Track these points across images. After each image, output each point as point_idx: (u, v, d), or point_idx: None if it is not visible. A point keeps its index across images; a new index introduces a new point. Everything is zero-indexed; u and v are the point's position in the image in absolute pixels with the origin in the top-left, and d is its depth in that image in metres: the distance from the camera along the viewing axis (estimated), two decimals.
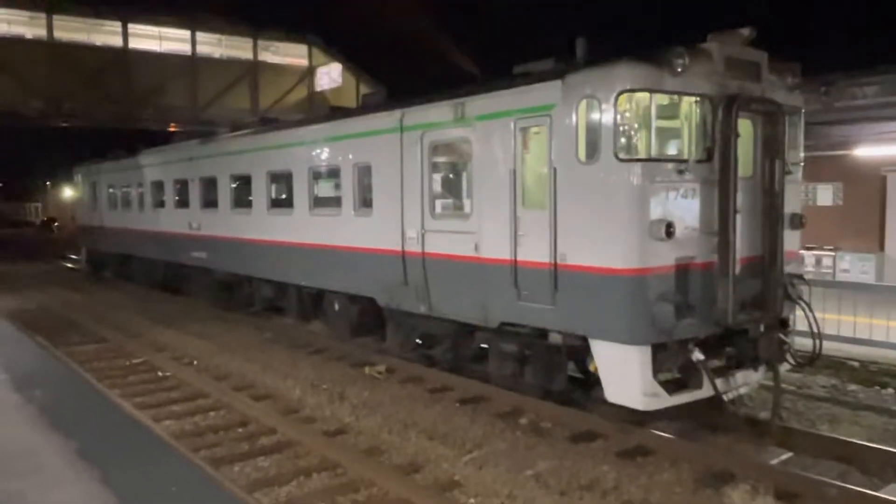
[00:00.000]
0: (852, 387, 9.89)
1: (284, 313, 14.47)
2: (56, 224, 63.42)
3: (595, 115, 7.34)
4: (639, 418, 7.85)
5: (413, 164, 9.79)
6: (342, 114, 12.34)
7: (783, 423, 8.02)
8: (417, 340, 10.78)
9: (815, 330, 7.99)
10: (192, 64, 35.26)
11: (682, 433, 7.89)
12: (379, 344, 11.95)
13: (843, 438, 7.67)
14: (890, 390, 9.69)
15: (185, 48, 35.34)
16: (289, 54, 38.72)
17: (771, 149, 7.87)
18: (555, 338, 8.22)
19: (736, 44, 7.75)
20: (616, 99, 7.11)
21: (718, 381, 7.53)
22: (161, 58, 34.54)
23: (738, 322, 7.50)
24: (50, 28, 31.94)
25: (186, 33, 35.29)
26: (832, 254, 17.27)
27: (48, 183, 79.95)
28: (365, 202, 11.07)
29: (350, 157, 11.29)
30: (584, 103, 7.45)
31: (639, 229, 7.14)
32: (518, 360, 8.91)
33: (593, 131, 7.37)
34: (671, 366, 7.56)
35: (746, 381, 8.05)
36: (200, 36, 35.69)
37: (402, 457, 7.47)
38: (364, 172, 11.02)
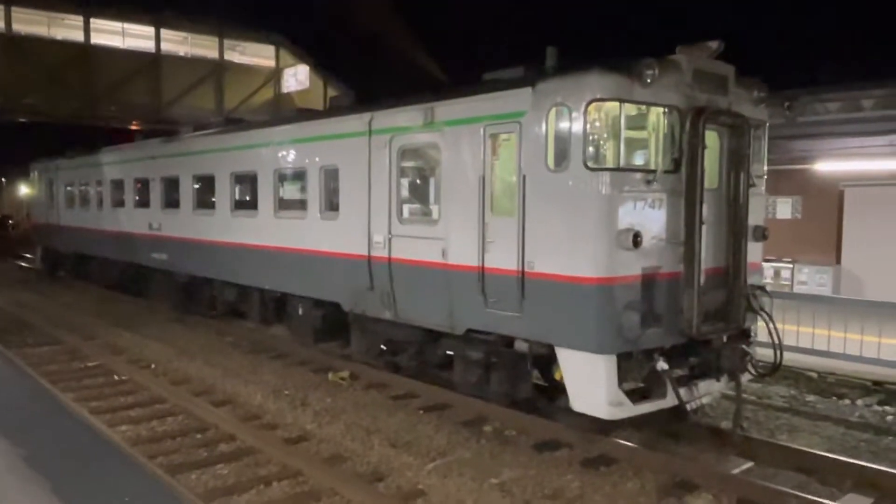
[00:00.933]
0: (811, 397, 10.06)
1: (246, 317, 14.21)
2: (11, 222, 61.78)
3: (565, 124, 7.33)
4: (603, 427, 7.85)
5: (381, 168, 9.69)
6: (309, 115, 12.20)
7: (744, 433, 8.09)
8: (382, 346, 10.66)
9: (777, 341, 8.09)
10: (156, 61, 34.62)
11: (645, 442, 7.92)
12: (343, 349, 11.81)
13: (803, 449, 7.77)
14: (847, 401, 9.87)
15: (149, 45, 34.66)
16: (255, 55, 38.28)
17: (736, 161, 7.96)
18: (521, 346, 8.18)
19: (704, 57, 7.83)
20: (586, 108, 7.11)
21: (682, 391, 7.58)
22: (124, 54, 33.83)
23: (703, 332, 7.55)
24: (8, 20, 31.06)
25: (150, 30, 34.62)
26: (790, 266, 17.59)
27: (3, 179, 77.88)
28: (331, 205, 10.93)
29: (317, 159, 11.15)
30: (553, 111, 7.44)
31: (606, 238, 7.14)
32: (483, 368, 8.84)
33: (563, 139, 7.37)
34: (636, 375, 7.54)
35: (709, 390, 8.12)
36: (165, 33, 35.05)
37: (365, 465, 7.37)
38: (331, 175, 10.88)
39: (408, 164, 9.68)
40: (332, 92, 34.14)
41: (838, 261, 17.28)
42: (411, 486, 6.83)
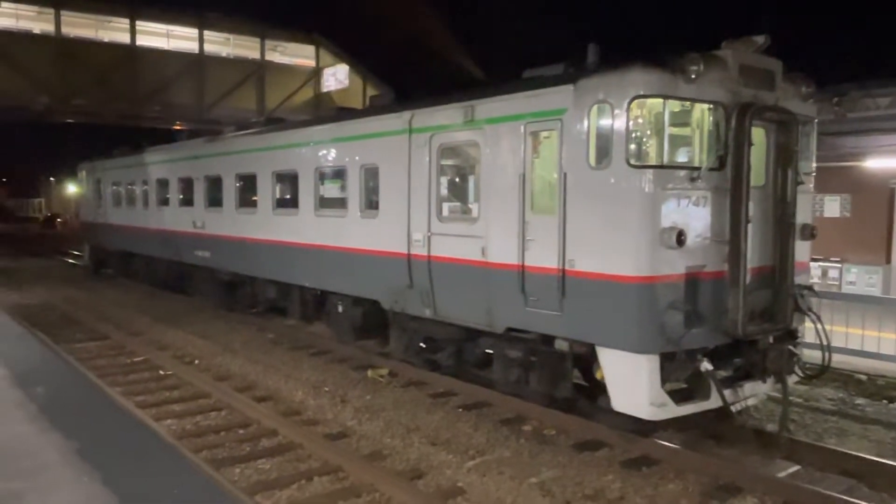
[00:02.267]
0: (860, 400, 9.79)
1: (287, 314, 14.39)
2: (59, 220, 63.51)
3: (607, 121, 7.26)
4: (644, 428, 7.77)
5: (421, 167, 9.72)
6: (350, 114, 12.28)
7: (790, 436, 7.91)
8: (421, 344, 10.69)
9: (825, 342, 7.91)
10: (200, 62, 35.23)
11: (688, 444, 7.81)
12: (382, 347, 11.88)
13: (851, 453, 7.58)
14: None
15: (192, 46, 35.30)
16: (296, 55, 38.72)
17: (784, 158, 7.80)
18: (561, 344, 8.12)
19: (750, 51, 7.67)
20: (629, 104, 7.03)
21: (726, 392, 7.44)
22: (168, 55, 34.49)
23: (748, 333, 7.41)
24: (58, 23, 31.90)
25: (194, 31, 35.26)
26: (838, 265, 17.17)
27: (52, 179, 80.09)
28: (371, 204, 11.00)
29: (357, 158, 11.23)
30: (595, 108, 7.37)
31: (649, 236, 7.06)
32: (523, 367, 8.83)
33: (605, 137, 7.30)
34: (679, 375, 7.46)
35: (754, 392, 7.96)
36: (208, 34, 35.67)
37: (404, 462, 7.40)
38: (371, 174, 10.95)
39: (447, 162, 9.69)
40: (371, 91, 34.39)
41: (888, 260, 16.81)
42: (451, 484, 6.85)
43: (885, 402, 9.73)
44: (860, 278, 16.77)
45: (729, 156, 7.32)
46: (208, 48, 35.79)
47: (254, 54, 37.22)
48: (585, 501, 6.50)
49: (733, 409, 7.59)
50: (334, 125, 12.13)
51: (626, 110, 7.05)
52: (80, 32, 32.85)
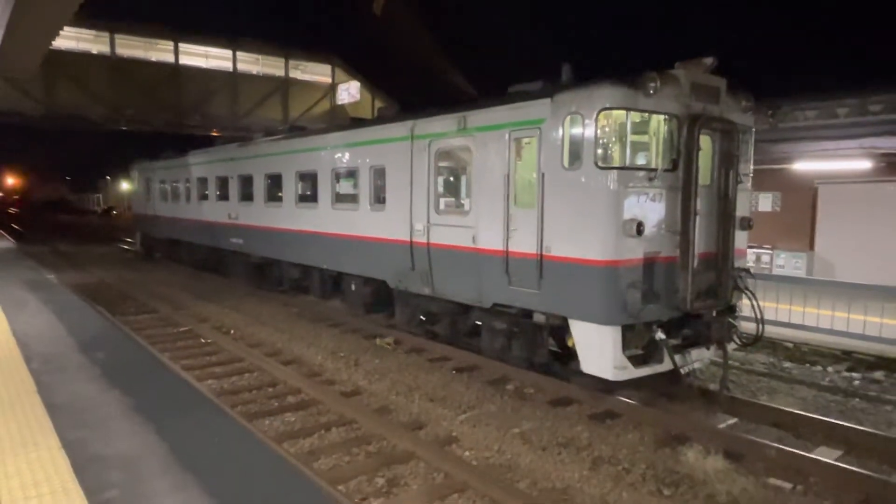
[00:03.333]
0: (787, 364, 9.86)
1: (308, 292, 14.37)
2: (114, 212, 63.12)
3: (578, 129, 7.24)
4: (608, 387, 7.81)
5: (421, 167, 9.67)
6: (361, 123, 12.20)
7: (730, 394, 7.97)
8: (421, 317, 10.69)
9: (758, 315, 7.94)
10: (233, 79, 34.97)
11: (644, 401, 7.84)
12: (388, 319, 11.87)
13: (780, 407, 7.63)
14: (819, 368, 9.66)
15: (227, 65, 35.03)
16: (315, 73, 38.42)
17: (726, 161, 7.78)
18: (539, 317, 8.14)
19: (700, 71, 7.64)
20: (597, 115, 7.01)
21: (676, 357, 7.48)
22: (207, 73, 34.22)
23: (695, 308, 7.44)
24: (113, 45, 31.64)
25: (229, 52, 34.98)
26: (770, 252, 17.23)
27: (108, 177, 79.55)
28: (379, 199, 10.96)
29: (367, 160, 11.17)
30: (569, 119, 7.34)
31: (613, 227, 7.05)
32: (507, 336, 8.84)
33: (576, 143, 7.27)
34: (637, 343, 7.48)
35: (699, 357, 8.00)
36: (240, 55, 35.40)
37: (407, 415, 7.42)
38: (379, 174, 10.90)
39: (443, 163, 9.64)
40: (379, 103, 34.25)
41: (812, 247, 16.89)
42: (446, 434, 6.87)
43: (808, 365, 9.80)
44: (788, 262, 16.84)
45: (680, 159, 7.30)
46: (241, 67, 35.51)
47: (279, 72, 36.92)
48: (559, 448, 6.53)
49: (682, 371, 7.62)
50: (348, 132, 12.05)
51: (595, 120, 7.03)
52: (132, 53, 32.53)
